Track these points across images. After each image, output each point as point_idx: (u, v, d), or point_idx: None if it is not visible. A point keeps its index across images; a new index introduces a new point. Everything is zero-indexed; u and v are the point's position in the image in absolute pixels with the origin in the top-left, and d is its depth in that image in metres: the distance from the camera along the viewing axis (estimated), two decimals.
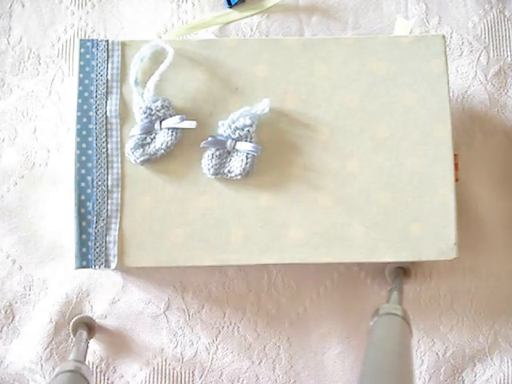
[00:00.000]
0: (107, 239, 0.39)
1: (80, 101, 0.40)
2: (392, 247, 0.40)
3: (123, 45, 0.41)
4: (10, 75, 0.48)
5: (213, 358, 0.45)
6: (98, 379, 0.45)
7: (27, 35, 0.49)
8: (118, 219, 0.40)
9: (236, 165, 0.39)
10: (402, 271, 0.44)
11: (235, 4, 0.49)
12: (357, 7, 0.49)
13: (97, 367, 0.45)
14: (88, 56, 0.41)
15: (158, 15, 0.49)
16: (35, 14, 0.49)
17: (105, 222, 0.40)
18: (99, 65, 0.41)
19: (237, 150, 0.40)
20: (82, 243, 0.39)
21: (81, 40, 0.41)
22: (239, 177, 0.39)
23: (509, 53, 0.48)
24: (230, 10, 0.49)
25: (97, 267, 0.39)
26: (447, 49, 0.48)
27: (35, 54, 0.48)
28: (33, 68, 0.48)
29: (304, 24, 0.49)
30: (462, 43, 0.48)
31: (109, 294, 0.45)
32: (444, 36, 0.41)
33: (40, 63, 0.48)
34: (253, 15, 0.49)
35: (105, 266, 0.39)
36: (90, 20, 0.49)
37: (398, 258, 0.40)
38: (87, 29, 0.49)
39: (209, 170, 0.39)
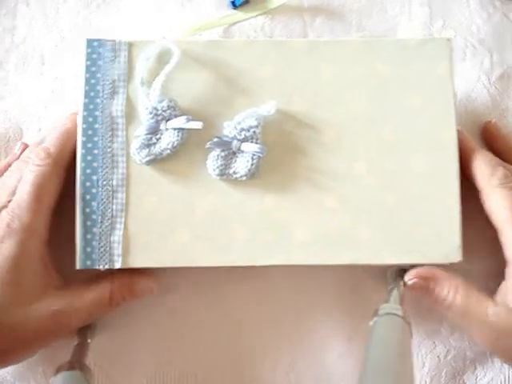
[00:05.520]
0: (112, 239, 0.39)
1: (86, 100, 0.40)
2: (397, 250, 0.40)
3: (130, 45, 0.41)
4: (14, 74, 0.48)
5: (213, 358, 0.45)
6: (99, 379, 0.45)
7: (31, 34, 0.49)
8: (123, 219, 0.40)
9: (241, 166, 0.39)
10: (403, 273, 0.44)
11: (240, 5, 0.49)
12: (361, 9, 0.49)
13: (97, 367, 0.45)
14: (94, 56, 0.41)
15: (163, 16, 0.49)
16: (40, 13, 0.49)
17: (110, 221, 0.40)
18: (106, 64, 0.41)
19: (242, 151, 0.40)
20: (86, 242, 0.39)
21: (87, 39, 0.41)
22: (244, 178, 0.39)
23: None
24: (235, 11, 0.49)
25: (101, 267, 0.39)
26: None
27: (39, 53, 0.48)
28: (37, 67, 0.48)
29: (308, 26, 0.49)
30: (466, 46, 0.48)
31: None
32: (450, 39, 0.41)
33: (44, 63, 0.48)
34: (257, 16, 0.49)
35: (109, 266, 0.39)
36: (95, 20, 0.49)
37: (403, 261, 0.40)
38: (91, 29, 0.49)
39: (214, 170, 0.39)
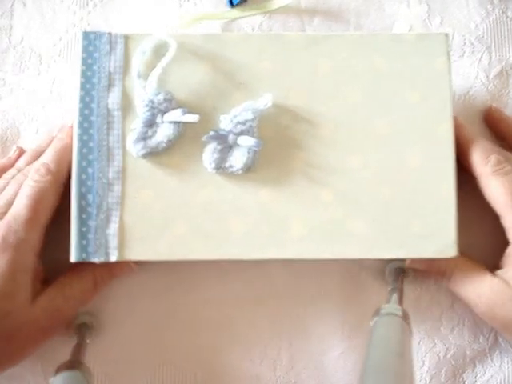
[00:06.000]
0: (107, 232, 0.39)
1: (82, 93, 0.40)
2: (392, 244, 0.40)
3: (126, 38, 0.41)
4: (11, 75, 0.48)
5: (213, 358, 0.45)
6: (98, 378, 0.45)
7: (28, 35, 0.49)
8: (119, 212, 0.39)
9: (237, 159, 0.39)
10: (402, 271, 0.44)
11: (237, 4, 0.49)
12: (358, 8, 0.49)
13: (97, 367, 0.45)
14: (91, 48, 0.41)
15: (160, 15, 0.49)
16: (37, 13, 0.49)
17: (105, 214, 0.39)
18: (102, 57, 0.41)
19: (238, 145, 0.39)
20: (82, 235, 0.39)
21: (84, 32, 0.41)
22: (240, 171, 0.39)
23: (511, 53, 0.48)
24: (232, 10, 0.49)
25: (96, 259, 0.39)
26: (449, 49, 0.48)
27: (36, 53, 0.48)
28: (34, 67, 0.48)
29: (306, 25, 0.49)
30: (464, 44, 0.48)
31: (109, 294, 0.45)
32: (447, 34, 0.41)
33: (41, 63, 0.48)
34: (255, 15, 0.49)
35: (105, 259, 0.39)
36: (92, 20, 0.49)
37: (397, 255, 0.40)
38: (88, 29, 0.49)
39: (210, 164, 0.39)
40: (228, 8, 0.49)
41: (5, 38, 0.49)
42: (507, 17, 0.49)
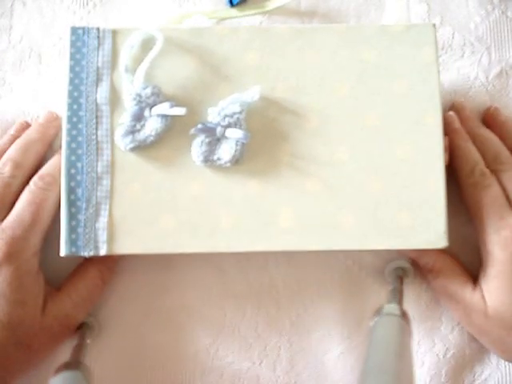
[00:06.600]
0: (96, 226, 0.39)
1: (71, 88, 0.40)
2: (381, 235, 0.39)
3: (114, 32, 0.41)
4: (11, 74, 0.48)
5: (213, 359, 0.45)
6: (98, 379, 0.45)
7: (28, 34, 0.49)
8: (108, 206, 0.40)
9: (225, 152, 0.39)
10: (402, 271, 0.44)
11: (237, 4, 0.49)
12: (358, 8, 0.49)
13: (97, 367, 0.45)
14: (79, 43, 0.41)
15: (160, 16, 0.49)
16: (36, 12, 0.49)
17: (94, 208, 0.39)
18: (90, 52, 0.41)
19: (226, 138, 0.39)
20: (71, 229, 0.39)
21: (72, 27, 0.41)
22: (228, 164, 0.39)
23: (510, 54, 0.48)
24: (230, 9, 0.49)
25: (86, 253, 0.39)
26: (449, 49, 0.48)
27: (36, 53, 0.48)
28: (34, 67, 0.48)
29: (306, 25, 0.49)
30: (464, 44, 0.48)
31: (109, 294, 0.45)
32: (435, 24, 0.41)
33: (41, 62, 0.48)
34: (254, 14, 0.49)
35: (94, 253, 0.39)
36: (92, 19, 0.49)
37: (386, 247, 0.39)
38: None
39: (198, 157, 0.39)
40: (228, 7, 0.49)
41: (4, 37, 0.49)
42: (507, 17, 0.49)
